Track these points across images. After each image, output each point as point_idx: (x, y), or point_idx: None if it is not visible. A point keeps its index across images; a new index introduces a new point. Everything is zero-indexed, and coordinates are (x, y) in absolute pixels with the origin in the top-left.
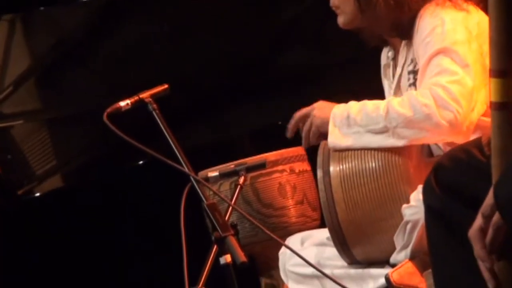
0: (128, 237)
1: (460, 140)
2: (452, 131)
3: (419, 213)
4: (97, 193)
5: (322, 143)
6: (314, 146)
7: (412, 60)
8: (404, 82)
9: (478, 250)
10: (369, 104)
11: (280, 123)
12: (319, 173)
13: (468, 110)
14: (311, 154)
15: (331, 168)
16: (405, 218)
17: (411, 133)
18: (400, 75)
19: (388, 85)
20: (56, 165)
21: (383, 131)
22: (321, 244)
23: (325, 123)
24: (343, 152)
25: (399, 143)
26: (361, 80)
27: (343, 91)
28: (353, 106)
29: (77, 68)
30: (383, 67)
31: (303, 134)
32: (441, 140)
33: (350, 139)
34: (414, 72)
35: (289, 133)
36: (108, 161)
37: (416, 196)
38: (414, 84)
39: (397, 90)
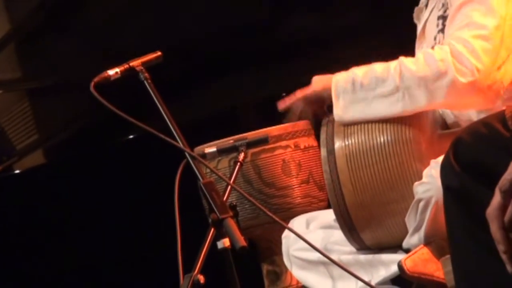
0: (118, 220)
1: (485, 102)
2: (471, 90)
3: (432, 190)
4: (83, 170)
5: (325, 119)
6: (319, 120)
7: (443, 5)
8: (430, 28)
9: (494, 230)
10: (376, 66)
11: (284, 94)
12: (323, 152)
13: (491, 67)
14: (318, 128)
15: (336, 146)
16: (417, 196)
17: (426, 94)
18: (427, 20)
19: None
20: (38, 140)
21: (393, 92)
22: (328, 227)
23: (326, 89)
24: (348, 127)
25: (412, 106)
26: (373, 47)
27: (354, 59)
28: (358, 71)
29: (61, 34)
30: (416, 10)
31: (292, 96)
32: (461, 104)
33: (357, 107)
34: (444, 18)
35: (281, 104)
36: (96, 136)
37: (429, 172)
38: (442, 30)
39: (421, 35)
